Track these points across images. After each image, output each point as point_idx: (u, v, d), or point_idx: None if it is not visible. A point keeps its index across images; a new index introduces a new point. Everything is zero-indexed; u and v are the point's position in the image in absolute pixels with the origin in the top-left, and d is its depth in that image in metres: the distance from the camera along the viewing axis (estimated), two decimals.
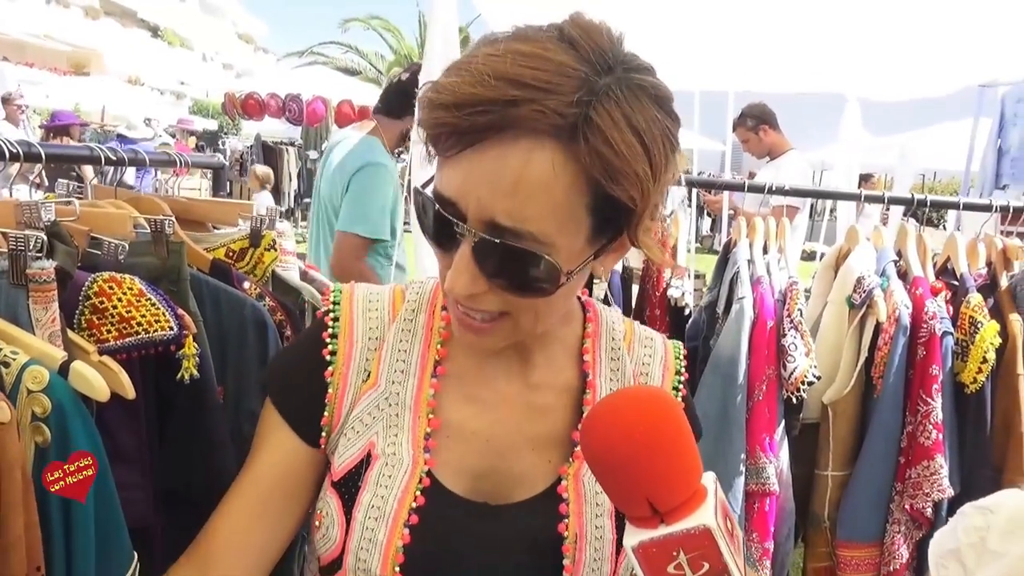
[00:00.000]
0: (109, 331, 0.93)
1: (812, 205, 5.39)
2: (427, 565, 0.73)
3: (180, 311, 0.97)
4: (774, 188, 1.95)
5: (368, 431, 0.77)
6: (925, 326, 1.68)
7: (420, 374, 0.78)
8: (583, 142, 0.60)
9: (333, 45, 24.77)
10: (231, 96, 10.29)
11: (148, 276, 1.00)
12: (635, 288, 2.19)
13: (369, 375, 0.79)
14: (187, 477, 1.01)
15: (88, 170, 5.15)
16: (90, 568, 0.81)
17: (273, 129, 12.06)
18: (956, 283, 1.81)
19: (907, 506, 1.71)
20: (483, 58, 0.60)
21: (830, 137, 6.48)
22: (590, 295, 0.90)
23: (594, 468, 0.62)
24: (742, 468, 1.73)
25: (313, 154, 11.65)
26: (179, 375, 0.98)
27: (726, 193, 4.41)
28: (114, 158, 1.23)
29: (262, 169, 8.72)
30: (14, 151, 1.04)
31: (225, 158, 1.72)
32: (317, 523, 0.78)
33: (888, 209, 4.94)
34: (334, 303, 0.81)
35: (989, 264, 1.85)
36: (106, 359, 0.87)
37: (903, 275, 1.82)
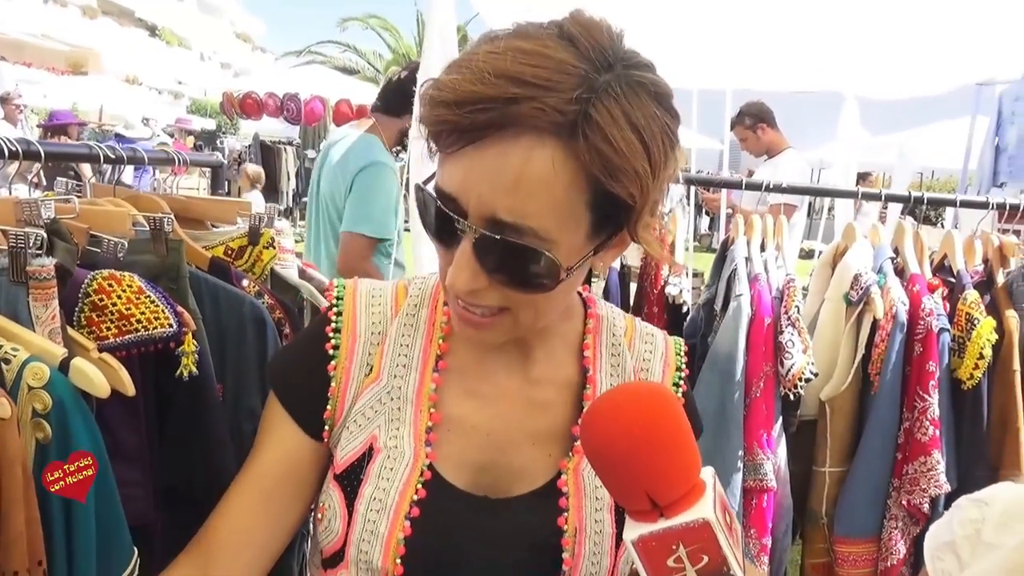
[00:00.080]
0: (109, 328, 0.94)
1: (810, 203, 5.40)
2: (428, 557, 0.74)
3: (179, 308, 0.98)
4: (771, 186, 1.96)
5: (370, 424, 0.78)
6: (922, 323, 1.69)
7: (422, 368, 0.79)
8: (583, 139, 0.60)
9: (331, 44, 24.76)
10: (229, 95, 10.28)
11: (147, 274, 1.01)
12: (633, 286, 2.20)
13: (371, 369, 0.79)
14: (187, 474, 1.02)
15: (86, 169, 5.15)
16: (91, 563, 0.82)
17: (271, 128, 12.06)
18: (953, 280, 1.81)
19: (904, 502, 1.71)
20: (484, 56, 0.61)
21: (828, 136, 6.49)
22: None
23: (593, 463, 0.63)
24: (740, 465, 1.73)
25: (311, 153, 11.64)
26: (178, 372, 0.99)
27: (724, 191, 4.42)
28: (113, 156, 1.23)
29: (253, 168, 8.69)
30: (13, 149, 1.04)
31: (223, 157, 1.72)
32: (320, 516, 0.79)
33: (886, 207, 4.96)
34: (337, 298, 0.82)
35: (986, 261, 1.85)
36: (106, 356, 0.88)
37: (900, 272, 1.83)
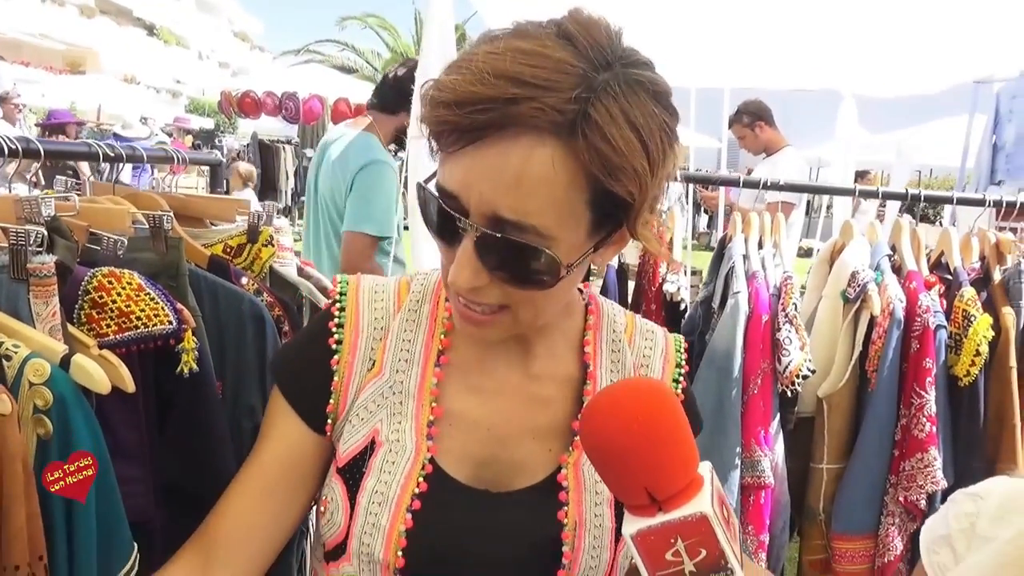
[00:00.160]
0: (109, 325, 0.94)
1: (808, 202, 5.41)
2: (429, 550, 0.74)
3: (179, 305, 0.98)
4: (769, 183, 1.96)
5: (372, 418, 0.79)
6: (919, 320, 1.70)
7: (424, 363, 0.80)
8: (582, 138, 0.61)
9: (329, 43, 24.75)
10: (227, 94, 10.27)
11: (147, 271, 1.01)
12: (631, 284, 2.20)
13: (374, 364, 0.80)
14: (187, 471, 1.02)
15: (84, 169, 5.15)
16: (92, 559, 0.82)
17: (270, 127, 12.04)
18: (950, 277, 1.82)
19: (901, 498, 1.72)
20: (483, 56, 0.61)
21: (826, 134, 6.49)
22: None
23: (593, 458, 0.64)
24: (737, 461, 1.74)
25: (310, 152, 11.60)
26: (178, 369, 0.99)
27: (722, 189, 4.43)
28: (112, 154, 1.23)
29: (244, 166, 8.66)
30: (13, 147, 1.04)
31: (222, 156, 1.72)
32: (323, 508, 0.80)
33: (884, 206, 4.96)
34: (341, 294, 0.83)
35: (982, 258, 1.86)
36: (106, 353, 0.88)
37: (897, 269, 1.83)
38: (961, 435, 1.74)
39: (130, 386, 0.87)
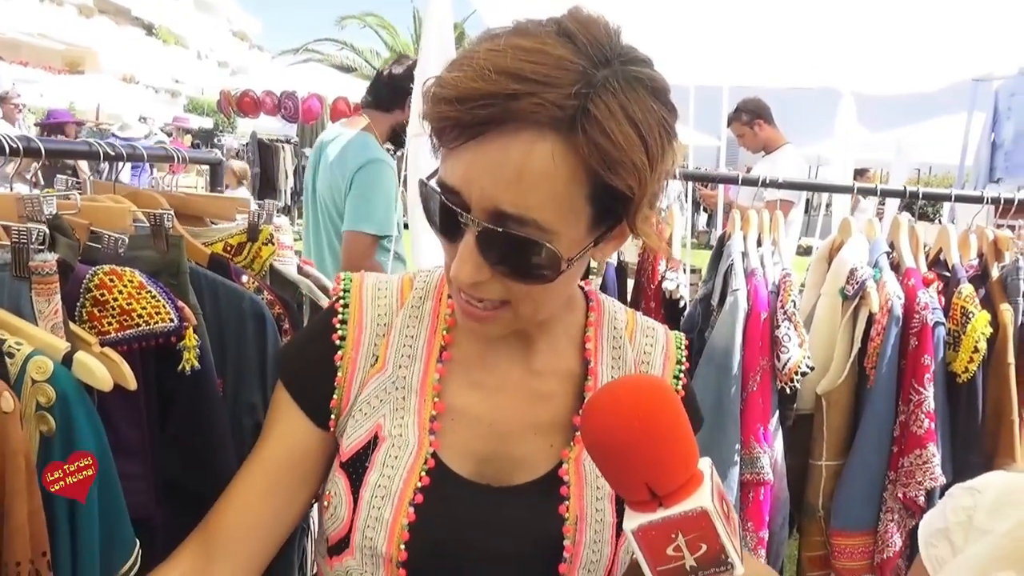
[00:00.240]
0: (110, 323, 0.94)
1: (808, 200, 5.41)
2: (431, 543, 0.75)
3: (180, 303, 0.98)
4: (768, 181, 1.97)
5: (375, 413, 0.80)
6: (917, 316, 1.70)
7: (426, 359, 0.81)
8: (581, 133, 0.62)
9: (328, 42, 24.73)
10: (226, 94, 10.27)
11: (148, 269, 1.01)
12: (630, 283, 2.20)
13: (377, 359, 0.81)
14: (188, 468, 1.02)
15: (84, 170, 5.15)
16: (94, 555, 0.83)
17: (269, 127, 12.04)
18: (948, 274, 1.82)
19: (900, 494, 1.73)
20: (484, 53, 0.62)
21: (825, 132, 6.49)
22: None
23: (593, 454, 0.64)
24: (736, 458, 1.74)
25: (309, 151, 11.59)
26: (180, 366, 0.99)
27: (721, 188, 4.43)
28: (112, 153, 1.24)
29: (239, 165, 8.64)
30: (14, 146, 1.05)
31: (222, 155, 1.73)
32: (326, 503, 0.80)
33: (883, 204, 4.97)
34: (344, 291, 0.84)
35: (980, 255, 1.86)
36: (108, 350, 0.89)
37: (895, 266, 1.84)
38: (959, 431, 1.74)
39: (132, 383, 0.88)
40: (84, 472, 0.80)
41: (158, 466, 1.00)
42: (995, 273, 1.81)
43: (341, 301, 0.83)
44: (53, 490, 0.78)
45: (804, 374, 1.72)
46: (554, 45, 0.63)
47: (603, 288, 1.97)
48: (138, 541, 0.89)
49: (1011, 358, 1.71)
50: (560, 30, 0.64)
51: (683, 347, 0.91)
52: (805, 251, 5.61)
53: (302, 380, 0.82)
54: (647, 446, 0.61)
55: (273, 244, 1.33)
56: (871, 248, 1.85)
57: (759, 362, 1.74)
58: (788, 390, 1.74)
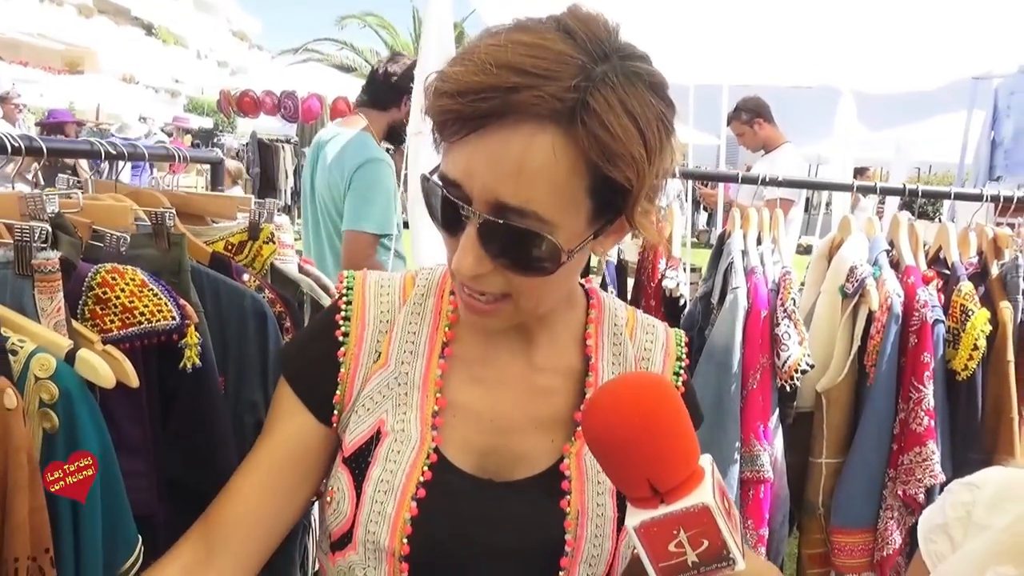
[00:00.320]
0: (112, 321, 0.94)
1: (808, 199, 5.42)
2: (434, 537, 0.76)
3: (182, 301, 0.99)
4: (768, 180, 1.97)
5: (378, 409, 0.80)
6: (917, 314, 1.71)
7: (428, 355, 0.81)
8: (581, 126, 0.63)
9: (328, 42, 24.72)
10: (226, 93, 10.27)
11: (149, 268, 1.02)
12: (630, 281, 2.21)
13: (380, 355, 0.82)
14: (190, 465, 1.03)
15: (84, 170, 5.15)
16: (97, 552, 0.83)
17: (269, 127, 12.05)
18: (947, 272, 1.83)
19: (900, 492, 1.73)
20: (485, 48, 0.64)
21: (825, 131, 6.50)
22: None
23: (595, 452, 0.65)
24: (737, 456, 1.75)
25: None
26: (182, 364, 1.00)
27: (721, 186, 4.44)
28: (114, 152, 1.24)
29: (234, 164, 8.60)
30: (16, 145, 1.05)
31: (222, 154, 1.73)
32: (329, 499, 0.81)
33: (883, 202, 4.97)
34: (347, 288, 0.85)
35: (980, 253, 1.87)
36: (110, 348, 0.89)
37: (895, 264, 1.84)
38: (959, 429, 1.75)
39: (134, 381, 0.88)
40: (84, 472, 0.80)
41: (160, 464, 1.01)
42: (995, 271, 1.81)
43: (344, 298, 0.84)
44: (53, 490, 0.78)
45: (804, 372, 1.72)
46: (554, 40, 0.64)
47: (602, 286, 1.98)
48: (140, 538, 0.89)
49: (1010, 355, 1.72)
50: (560, 26, 0.66)
51: (683, 344, 0.92)
52: (805, 250, 5.61)
53: (305, 376, 0.83)
54: (648, 443, 0.62)
55: (274, 243, 1.33)
56: (871, 246, 1.86)
57: (759, 360, 1.74)
58: (788, 388, 1.74)
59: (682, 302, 2.02)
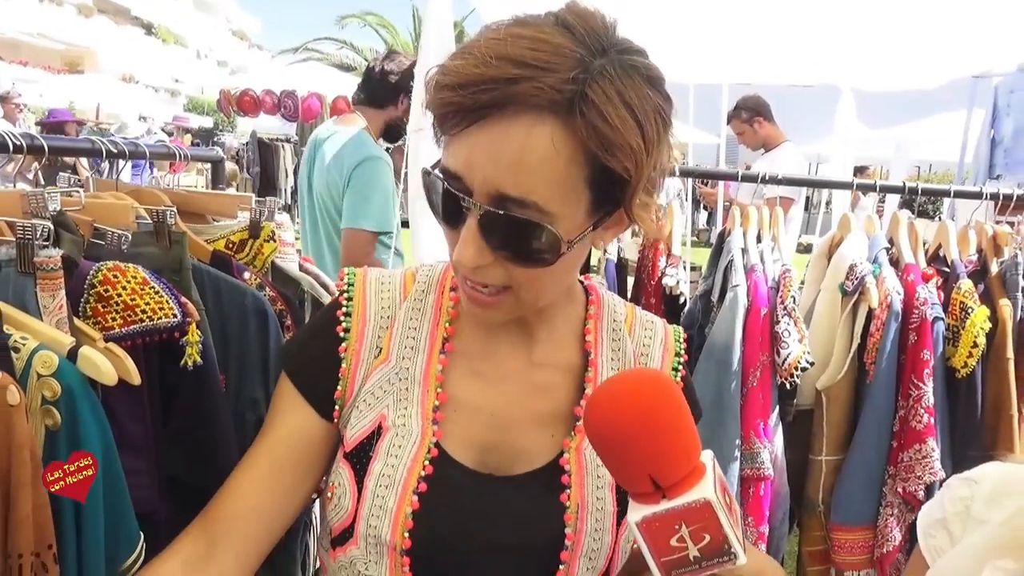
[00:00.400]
0: (114, 319, 0.95)
1: (808, 198, 5.42)
2: (435, 531, 0.76)
3: (183, 299, 0.99)
4: (768, 177, 1.97)
5: (379, 404, 0.81)
6: (916, 312, 1.71)
7: (429, 350, 0.82)
8: (579, 116, 0.64)
9: (328, 41, 24.72)
10: (226, 93, 10.28)
11: (150, 266, 1.02)
12: (630, 280, 2.21)
13: (381, 351, 0.82)
14: (191, 462, 1.03)
15: (84, 170, 5.16)
16: (99, 548, 0.83)
17: (268, 126, 12.06)
18: (947, 270, 1.83)
19: (900, 489, 1.73)
20: (485, 42, 0.65)
21: (825, 130, 6.50)
22: None
23: (597, 448, 0.65)
24: (737, 453, 1.75)
25: None
26: (183, 362, 1.00)
27: (721, 185, 4.44)
28: (115, 150, 1.24)
29: (228, 166, 8.62)
30: (18, 143, 1.05)
31: (222, 153, 1.74)
32: (329, 494, 0.81)
33: (883, 201, 4.97)
34: (348, 284, 0.85)
35: (980, 251, 1.87)
36: (112, 346, 0.89)
37: (895, 262, 1.85)
38: (959, 426, 1.75)
39: (136, 378, 0.88)
40: (84, 472, 0.80)
41: (161, 461, 1.01)
42: (994, 268, 1.81)
43: (345, 295, 0.84)
44: (53, 490, 0.78)
45: (804, 369, 1.72)
46: (553, 34, 0.65)
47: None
48: (142, 535, 0.90)
49: (1010, 353, 1.72)
50: (558, 21, 0.67)
51: (681, 340, 0.92)
52: (805, 249, 5.61)
53: (306, 371, 0.83)
54: (650, 439, 0.62)
55: (275, 241, 1.34)
56: (870, 244, 1.86)
57: (759, 358, 1.75)
58: (788, 385, 1.75)
59: (682, 300, 2.02)
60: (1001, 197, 1.89)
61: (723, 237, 1.96)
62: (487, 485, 0.79)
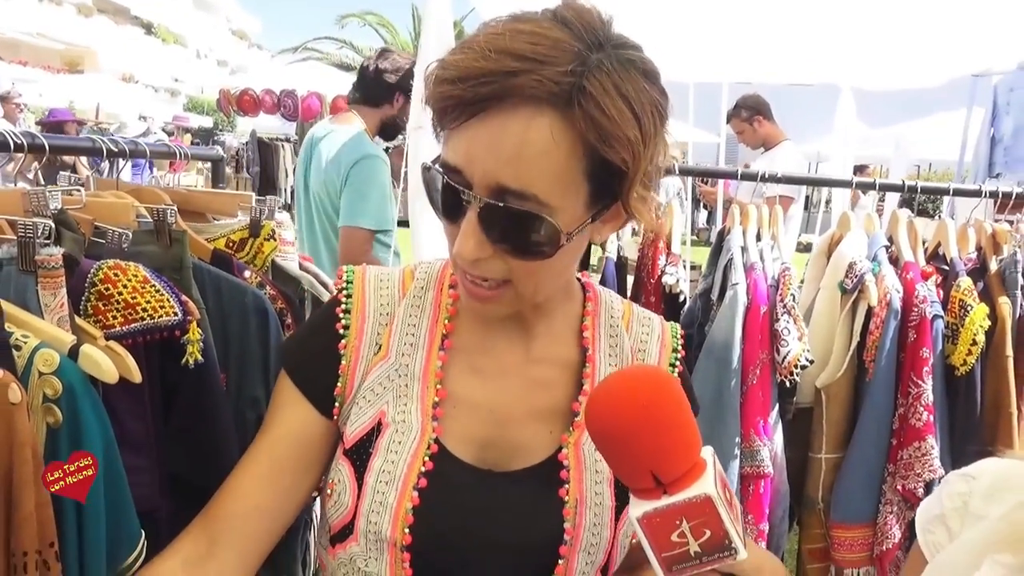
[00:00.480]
0: (115, 317, 0.95)
1: (807, 196, 5.42)
2: (435, 527, 0.77)
3: (184, 297, 0.99)
4: (768, 176, 1.98)
5: (379, 400, 0.81)
6: (916, 310, 1.71)
7: (428, 347, 0.82)
8: (578, 108, 0.65)
9: (327, 41, 24.73)
10: (226, 92, 10.27)
11: (151, 264, 1.02)
12: (630, 279, 2.21)
13: (380, 348, 0.83)
14: (192, 460, 1.03)
15: (83, 170, 5.16)
16: (101, 545, 0.84)
17: (268, 125, 12.05)
18: (946, 268, 1.83)
19: (899, 487, 1.74)
20: (485, 37, 0.66)
21: (825, 128, 6.50)
22: None
23: (599, 445, 0.66)
24: (737, 451, 1.75)
25: None
26: (184, 360, 1.00)
27: (721, 184, 4.44)
28: (116, 149, 1.24)
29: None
30: (19, 142, 1.05)
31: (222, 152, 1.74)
32: (329, 492, 0.81)
33: (883, 200, 4.97)
34: (347, 282, 0.86)
35: (979, 249, 1.87)
36: (113, 344, 0.89)
37: (894, 260, 1.85)
38: (958, 424, 1.75)
39: (136, 376, 0.88)
40: (84, 472, 0.80)
41: (162, 459, 1.01)
42: (993, 266, 1.81)
43: (344, 292, 0.85)
44: (53, 490, 0.78)
45: (803, 367, 1.72)
46: (551, 29, 0.66)
47: (602, 283, 1.98)
48: (143, 533, 0.90)
49: (1009, 350, 1.72)
50: (556, 17, 0.68)
51: (679, 336, 0.93)
52: (805, 248, 5.61)
53: (306, 368, 0.83)
54: (651, 435, 0.62)
55: (275, 240, 1.34)
56: (870, 242, 1.86)
57: (759, 356, 1.75)
58: (788, 383, 1.75)
59: (682, 298, 2.02)
60: (1000, 195, 1.89)
61: (723, 235, 1.96)
62: (486, 481, 0.80)
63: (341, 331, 0.83)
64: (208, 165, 1.75)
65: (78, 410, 0.80)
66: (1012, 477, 0.75)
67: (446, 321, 0.83)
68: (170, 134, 12.33)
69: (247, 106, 10.01)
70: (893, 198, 4.27)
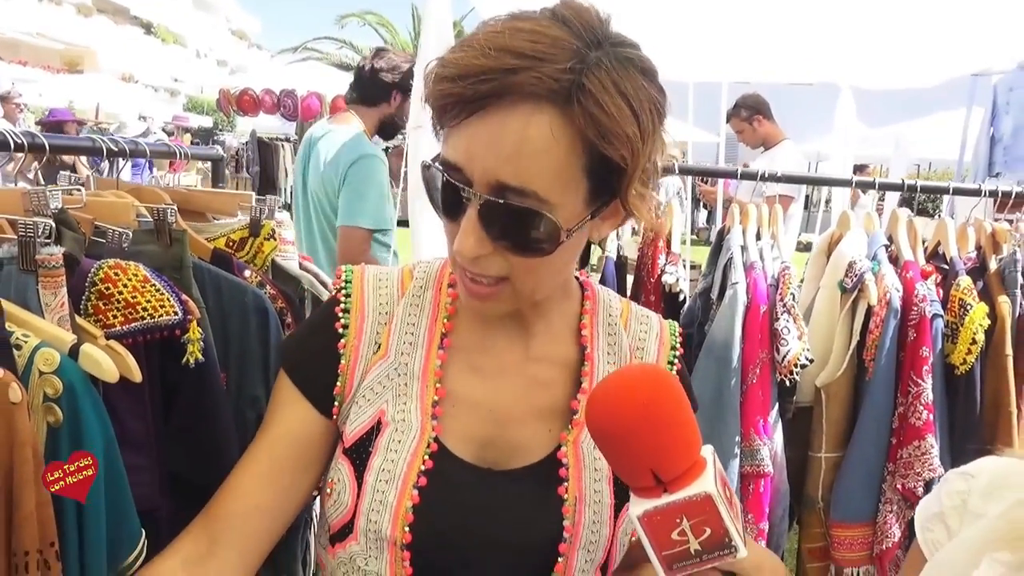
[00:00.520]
0: (115, 316, 0.95)
1: (807, 196, 5.42)
2: (435, 525, 0.77)
3: (184, 296, 0.99)
4: (767, 175, 1.98)
5: (378, 399, 0.81)
6: (915, 309, 1.71)
7: (427, 346, 0.82)
8: (577, 105, 0.65)
9: (327, 40, 24.72)
10: (226, 92, 10.27)
11: (151, 264, 1.02)
12: (630, 279, 2.21)
13: (379, 347, 0.83)
14: (192, 460, 1.03)
15: (83, 170, 5.16)
16: (101, 545, 0.84)
17: (268, 125, 12.05)
18: (946, 267, 1.83)
19: (899, 486, 1.74)
20: (484, 35, 0.66)
21: (825, 128, 6.50)
22: None
23: (599, 443, 0.66)
24: (737, 451, 1.76)
25: None
26: (184, 359, 1.00)
27: (721, 183, 4.44)
28: (116, 149, 1.24)
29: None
30: (19, 141, 1.05)
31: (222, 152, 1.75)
32: (329, 491, 0.82)
33: (882, 199, 4.98)
34: (346, 281, 0.86)
35: (978, 248, 1.87)
36: (113, 343, 0.89)
37: (894, 259, 1.85)
38: (958, 423, 1.75)
39: (137, 375, 0.88)
40: (84, 472, 0.80)
41: (162, 458, 1.01)
42: (993, 265, 1.82)
43: (343, 291, 0.85)
44: (53, 490, 0.78)
45: (803, 366, 1.73)
46: (550, 27, 0.66)
47: (602, 282, 1.98)
48: (144, 532, 0.90)
49: (1009, 349, 1.73)
50: (555, 15, 0.68)
51: (677, 334, 0.93)
52: (805, 247, 5.62)
53: (305, 368, 0.83)
54: (651, 433, 0.63)
55: (275, 239, 1.34)
56: (870, 241, 1.86)
57: (758, 355, 1.75)
58: (787, 383, 1.75)
59: (681, 298, 2.02)
60: (1000, 194, 1.90)
61: (723, 235, 1.96)
62: (486, 479, 0.80)
63: (340, 330, 0.83)
64: (208, 165, 1.75)
65: (79, 409, 0.81)
66: (1011, 475, 0.75)
67: (445, 320, 0.83)
68: (170, 134, 12.33)
69: (247, 106, 10.01)
70: (893, 197, 4.27)
